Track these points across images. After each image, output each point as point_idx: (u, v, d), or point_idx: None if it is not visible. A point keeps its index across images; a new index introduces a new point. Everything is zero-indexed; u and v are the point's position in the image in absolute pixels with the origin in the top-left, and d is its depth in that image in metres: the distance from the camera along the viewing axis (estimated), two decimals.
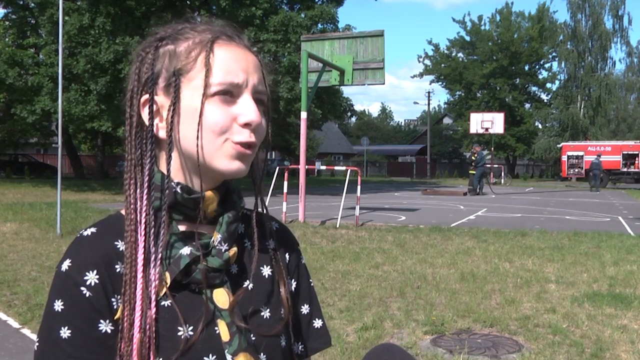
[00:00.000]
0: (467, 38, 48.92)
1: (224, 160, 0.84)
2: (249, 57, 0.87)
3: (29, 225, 9.62)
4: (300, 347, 1.00)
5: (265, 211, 0.98)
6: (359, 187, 11.34)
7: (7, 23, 23.59)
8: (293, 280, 1.01)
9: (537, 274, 6.41)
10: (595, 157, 28.77)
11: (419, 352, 3.85)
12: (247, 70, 0.86)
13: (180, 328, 0.83)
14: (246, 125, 0.84)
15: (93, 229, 0.87)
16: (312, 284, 1.05)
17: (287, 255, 1.01)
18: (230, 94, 0.84)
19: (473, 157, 21.97)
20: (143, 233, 0.83)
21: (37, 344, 0.83)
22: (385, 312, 4.77)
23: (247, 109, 0.84)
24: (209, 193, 0.87)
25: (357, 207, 11.06)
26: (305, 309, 1.02)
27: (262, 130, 0.88)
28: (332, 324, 4.32)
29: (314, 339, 1.02)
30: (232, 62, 0.85)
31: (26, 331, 4.24)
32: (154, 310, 0.82)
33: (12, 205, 13.03)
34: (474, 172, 21.97)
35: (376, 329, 4.29)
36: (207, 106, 0.83)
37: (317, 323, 1.03)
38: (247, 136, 0.84)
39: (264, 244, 0.97)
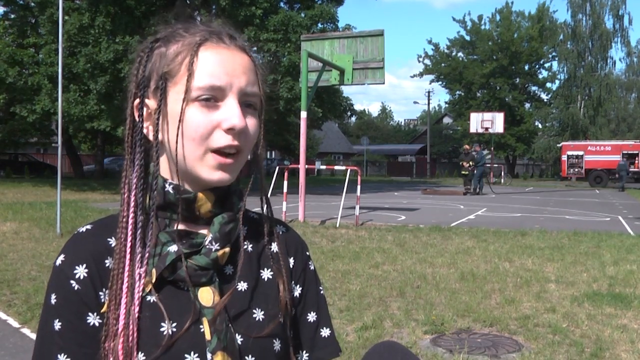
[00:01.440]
0: (467, 38, 48.93)
1: (205, 169, 0.84)
2: (237, 59, 0.85)
3: (29, 225, 9.62)
4: (305, 355, 0.98)
5: (270, 213, 0.97)
6: (358, 187, 11.34)
7: (6, 22, 23.58)
8: (298, 285, 0.99)
9: (537, 274, 6.42)
10: (622, 158, 29.17)
11: (418, 352, 3.85)
12: (233, 72, 0.84)
13: (163, 324, 0.83)
14: (229, 130, 0.83)
15: (89, 226, 0.90)
16: (321, 292, 1.02)
17: (291, 260, 0.99)
18: (214, 98, 0.83)
19: (465, 164, 21.84)
20: (131, 231, 0.84)
21: (36, 336, 0.86)
22: (385, 312, 4.77)
23: (230, 113, 0.83)
24: (201, 195, 0.87)
25: (357, 207, 11.06)
26: (311, 316, 0.99)
27: (249, 135, 0.86)
28: (332, 324, 4.31)
29: (319, 348, 0.99)
30: (215, 65, 0.83)
31: (26, 330, 4.24)
32: (137, 306, 0.82)
33: (12, 205, 13.03)
34: (465, 172, 21.92)
35: (376, 328, 4.30)
36: (188, 111, 0.83)
37: (325, 332, 1.00)
38: (229, 140, 0.83)
39: (267, 247, 0.96)
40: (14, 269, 6.17)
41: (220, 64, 0.84)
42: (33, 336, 4.11)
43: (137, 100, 0.87)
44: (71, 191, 18.77)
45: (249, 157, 0.91)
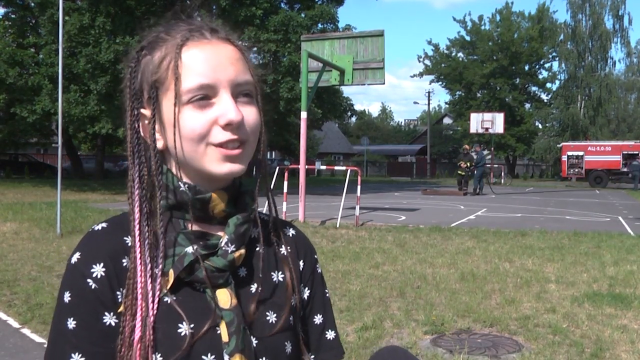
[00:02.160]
0: (468, 38, 48.94)
1: (213, 164, 0.84)
2: (221, 52, 0.85)
3: (29, 225, 9.62)
4: (311, 357, 0.99)
5: (276, 215, 0.98)
6: (359, 187, 11.33)
7: (7, 23, 23.57)
8: (306, 288, 1.00)
9: (537, 274, 6.41)
10: (636, 158, 29.60)
11: (419, 352, 3.85)
12: (220, 67, 0.83)
13: (180, 325, 0.83)
14: (227, 126, 0.82)
15: (104, 224, 0.90)
16: (327, 295, 1.04)
17: (301, 263, 1.00)
18: (206, 97, 0.83)
19: (463, 164, 21.82)
20: (139, 243, 0.84)
21: (49, 334, 0.86)
22: (385, 312, 4.77)
23: (225, 108, 0.82)
24: (215, 195, 0.87)
25: (357, 207, 11.06)
26: (318, 319, 1.01)
27: (249, 124, 0.85)
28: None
29: (325, 350, 1.00)
30: (200, 63, 0.83)
31: (26, 331, 4.24)
32: (153, 306, 0.83)
33: (12, 205, 13.03)
34: (462, 173, 21.90)
35: (376, 328, 4.29)
36: (183, 114, 0.83)
37: (330, 334, 1.01)
38: (228, 135, 0.83)
39: (278, 250, 0.97)
40: (14, 269, 6.17)
41: (205, 61, 0.83)
42: (33, 336, 4.11)
43: (135, 112, 0.88)
44: (71, 191, 18.76)
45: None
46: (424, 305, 4.99)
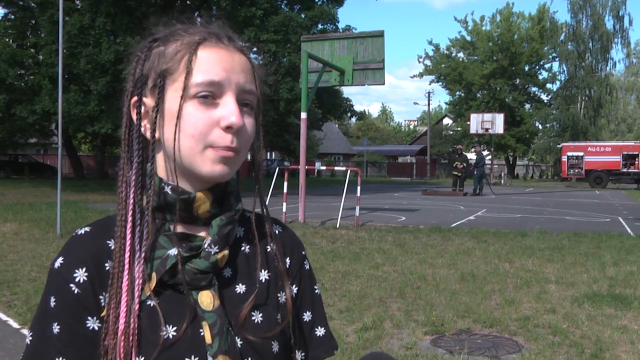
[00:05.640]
0: (468, 38, 48.97)
1: (206, 164, 0.84)
2: (235, 58, 0.86)
3: (29, 226, 9.62)
4: (301, 355, 0.98)
5: (266, 213, 0.97)
6: (358, 188, 11.33)
7: (7, 23, 23.57)
8: (294, 285, 0.99)
9: (537, 275, 6.41)
10: None
11: (419, 353, 3.85)
12: (231, 69, 0.84)
13: (163, 328, 0.83)
14: (228, 128, 0.83)
15: (87, 228, 0.89)
16: (317, 291, 1.02)
17: (288, 260, 0.99)
18: (212, 95, 0.83)
19: (459, 165, 21.80)
20: (130, 229, 0.84)
21: (29, 338, 0.84)
22: (385, 313, 4.77)
23: (228, 111, 0.83)
24: (199, 194, 0.86)
25: (357, 208, 11.06)
26: (307, 316, 0.99)
27: (247, 134, 0.86)
28: (332, 325, 4.31)
29: (315, 347, 0.99)
30: (213, 62, 0.84)
31: (26, 331, 4.24)
32: (137, 307, 0.82)
33: (12, 206, 13.03)
34: (459, 173, 21.89)
35: (376, 329, 4.29)
36: (187, 108, 0.83)
37: (320, 331, 1.00)
38: (228, 141, 0.83)
39: (263, 247, 0.95)
40: (14, 270, 6.16)
41: (218, 61, 0.84)
42: None
43: (135, 99, 0.87)
44: (71, 192, 18.75)
45: (248, 158, 0.91)
46: (424, 306, 4.99)
